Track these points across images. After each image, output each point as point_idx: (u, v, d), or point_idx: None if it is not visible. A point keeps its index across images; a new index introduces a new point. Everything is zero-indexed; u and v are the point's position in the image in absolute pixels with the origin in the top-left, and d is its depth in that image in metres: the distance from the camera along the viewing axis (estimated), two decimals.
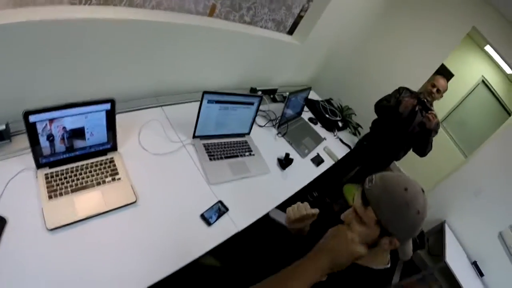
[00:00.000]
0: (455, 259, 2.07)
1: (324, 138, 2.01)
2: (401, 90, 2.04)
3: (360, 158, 2.26)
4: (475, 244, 2.37)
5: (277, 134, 1.72)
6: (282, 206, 1.36)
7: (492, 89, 3.92)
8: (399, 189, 0.64)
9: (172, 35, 1.25)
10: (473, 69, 3.98)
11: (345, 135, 2.34)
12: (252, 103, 1.43)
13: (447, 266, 1.92)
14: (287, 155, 1.54)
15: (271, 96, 1.96)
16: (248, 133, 1.52)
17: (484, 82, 3.94)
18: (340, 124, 2.28)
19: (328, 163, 1.80)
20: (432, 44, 2.75)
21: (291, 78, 2.37)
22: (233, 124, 1.41)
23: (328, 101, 2.52)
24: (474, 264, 2.22)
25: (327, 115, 2.24)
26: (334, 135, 2.17)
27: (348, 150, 2.16)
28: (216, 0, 1.65)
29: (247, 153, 1.40)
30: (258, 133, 1.58)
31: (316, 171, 1.67)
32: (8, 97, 0.88)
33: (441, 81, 1.90)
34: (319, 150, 1.85)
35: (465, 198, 2.48)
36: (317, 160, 1.73)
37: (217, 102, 1.27)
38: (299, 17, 2.02)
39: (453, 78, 3.92)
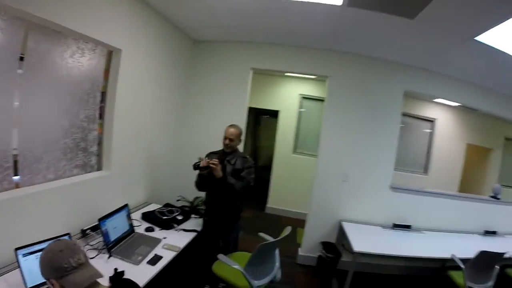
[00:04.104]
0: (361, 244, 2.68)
1: (164, 238, 2.24)
2: (207, 156, 2.41)
3: (211, 231, 2.51)
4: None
5: (108, 257, 1.87)
6: None
7: (311, 97, 5.05)
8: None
9: None
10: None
11: (192, 222, 2.67)
12: None
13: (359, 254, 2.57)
14: (115, 270, 1.67)
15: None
16: None
17: (303, 97, 5.10)
18: (179, 217, 2.58)
19: (167, 257, 2.00)
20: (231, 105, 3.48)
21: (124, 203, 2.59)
22: None
23: (168, 204, 2.86)
24: None
25: (164, 217, 2.51)
26: (176, 230, 2.42)
27: (195, 234, 2.41)
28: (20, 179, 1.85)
29: None
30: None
31: (154, 269, 1.85)
32: None
33: (228, 130, 2.34)
34: (157, 250, 2.05)
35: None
36: (154, 260, 1.92)
37: (32, 252, 1.51)
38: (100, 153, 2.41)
39: (282, 112, 5.12)
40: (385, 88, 3.24)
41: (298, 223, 4.21)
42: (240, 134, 2.43)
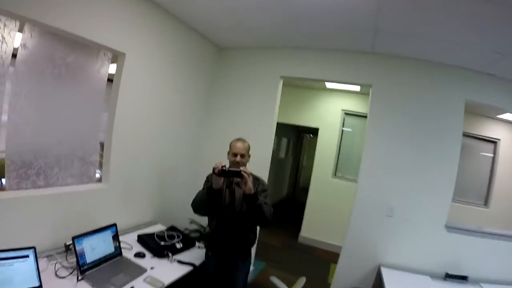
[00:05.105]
0: None
1: (151, 268, 1.97)
2: (209, 177, 2.04)
3: (214, 268, 2.12)
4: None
5: (77, 280, 1.67)
6: None
7: (355, 113, 4.51)
8: None
9: None
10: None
11: (193, 253, 2.33)
12: (26, 256, 1.52)
13: None
14: None
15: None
16: (40, 286, 1.51)
17: (346, 113, 4.62)
18: (178, 245, 2.28)
19: None
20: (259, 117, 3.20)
21: (124, 221, 2.42)
22: (18, 279, 1.45)
23: (172, 227, 2.59)
24: None
25: (162, 243, 2.24)
26: (170, 260, 2.12)
27: (191, 269, 2.08)
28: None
29: None
30: (58, 284, 1.61)
31: None
32: None
33: (236, 145, 2.01)
34: (136, 283, 1.77)
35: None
36: None
37: None
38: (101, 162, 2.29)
39: (322, 130, 4.65)
40: (441, 99, 2.62)
41: (334, 257, 3.63)
42: (249, 148, 2.11)
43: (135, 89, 2.37)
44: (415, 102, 2.66)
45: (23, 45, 1.72)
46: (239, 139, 2.07)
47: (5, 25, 1.60)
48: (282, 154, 6.29)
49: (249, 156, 2.10)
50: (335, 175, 4.58)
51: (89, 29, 1.90)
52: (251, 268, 3.34)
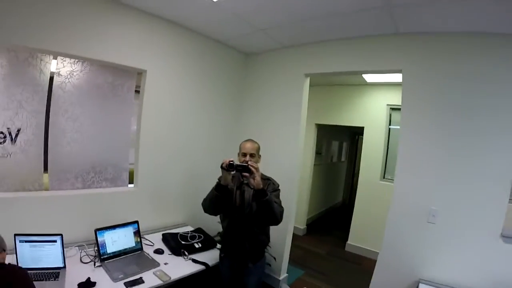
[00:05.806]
0: None
1: (165, 263, 2.16)
2: (219, 179, 2.06)
3: (226, 270, 2.19)
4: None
5: (95, 266, 1.98)
6: None
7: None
8: None
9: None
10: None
11: (211, 254, 2.45)
12: (55, 241, 1.89)
13: None
14: (88, 278, 1.77)
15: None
16: (64, 267, 1.85)
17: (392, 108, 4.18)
18: (197, 245, 2.43)
19: (151, 284, 1.88)
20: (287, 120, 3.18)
21: (153, 221, 2.72)
22: (47, 259, 1.82)
23: (199, 229, 2.77)
24: None
25: (183, 242, 2.42)
26: (185, 258, 2.28)
27: (203, 268, 2.20)
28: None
29: (52, 278, 1.73)
30: (79, 267, 1.93)
31: None
32: None
33: (246, 145, 2.06)
34: (146, 274, 1.98)
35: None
36: (133, 283, 1.85)
37: (27, 241, 1.79)
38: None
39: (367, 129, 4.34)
40: (487, 74, 2.09)
41: None
42: (259, 148, 2.15)
43: (159, 102, 2.67)
44: (455, 83, 2.20)
45: (58, 74, 2.15)
46: (248, 140, 2.12)
47: (41, 60, 2.04)
48: (334, 158, 5.98)
49: (259, 156, 2.15)
50: (384, 177, 4.13)
51: (109, 53, 2.27)
52: (284, 274, 3.29)
